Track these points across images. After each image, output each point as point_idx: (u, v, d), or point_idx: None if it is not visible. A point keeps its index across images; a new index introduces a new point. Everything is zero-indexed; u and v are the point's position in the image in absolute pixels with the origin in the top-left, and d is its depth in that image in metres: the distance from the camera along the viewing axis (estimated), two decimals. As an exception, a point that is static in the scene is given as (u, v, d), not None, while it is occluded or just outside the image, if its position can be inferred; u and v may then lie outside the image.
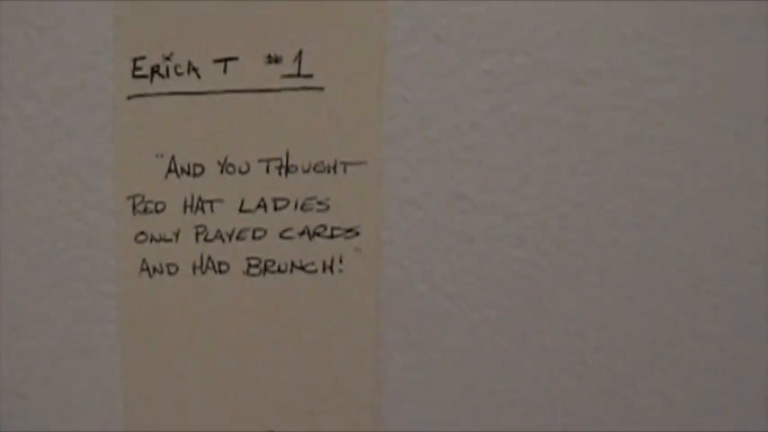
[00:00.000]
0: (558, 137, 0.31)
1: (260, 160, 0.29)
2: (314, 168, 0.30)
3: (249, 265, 0.30)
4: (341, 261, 0.30)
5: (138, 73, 0.29)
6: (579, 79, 0.31)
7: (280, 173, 0.30)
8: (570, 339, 0.34)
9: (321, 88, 0.29)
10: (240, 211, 0.30)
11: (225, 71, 0.29)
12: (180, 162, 0.30)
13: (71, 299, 0.32)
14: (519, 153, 0.31)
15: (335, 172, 0.30)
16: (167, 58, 0.29)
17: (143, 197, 0.30)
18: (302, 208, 0.30)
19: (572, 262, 0.33)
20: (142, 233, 0.30)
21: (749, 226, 0.33)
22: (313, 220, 0.30)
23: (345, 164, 0.30)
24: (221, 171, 0.30)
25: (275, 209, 0.30)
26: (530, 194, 0.31)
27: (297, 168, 0.30)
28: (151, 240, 0.30)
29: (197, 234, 0.30)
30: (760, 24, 0.31)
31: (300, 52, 0.29)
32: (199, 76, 0.29)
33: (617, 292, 0.34)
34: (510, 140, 0.31)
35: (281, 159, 0.29)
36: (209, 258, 0.30)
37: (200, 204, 0.30)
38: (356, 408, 0.31)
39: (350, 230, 0.30)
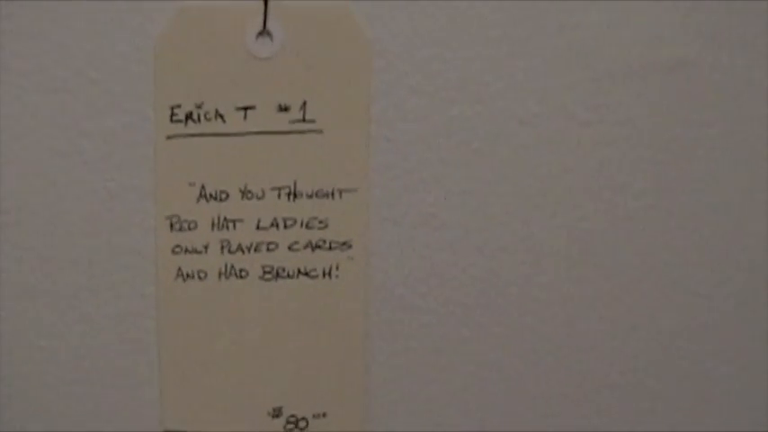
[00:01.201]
0: (512, 166, 0.35)
1: (273, 188, 0.34)
2: (316, 194, 0.34)
3: (264, 272, 0.34)
4: (337, 268, 0.34)
5: (174, 118, 0.33)
6: (524, 121, 0.35)
7: (289, 198, 0.34)
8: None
9: (321, 131, 0.33)
10: (257, 228, 0.34)
11: (245, 117, 0.33)
12: (209, 189, 0.34)
13: (119, 300, 0.35)
14: (480, 180, 0.35)
15: (333, 197, 0.34)
16: (198, 107, 0.33)
17: (179, 217, 0.34)
18: (307, 226, 0.34)
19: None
20: (178, 246, 0.34)
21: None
22: (315, 235, 0.34)
23: (341, 191, 0.34)
24: (242, 197, 0.34)
25: (285, 227, 0.34)
26: (489, 213, 0.35)
27: (302, 194, 0.34)
28: (185, 252, 0.34)
29: (222, 247, 0.34)
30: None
31: (305, 103, 0.33)
32: (224, 121, 0.33)
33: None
34: (472, 170, 0.35)
35: (289, 187, 0.34)
36: (232, 266, 0.34)
37: (225, 223, 0.34)
38: (345, 382, 0.35)
39: (344, 243, 0.34)
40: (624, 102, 0.34)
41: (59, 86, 0.33)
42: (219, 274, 0.34)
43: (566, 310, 0.36)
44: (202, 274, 0.34)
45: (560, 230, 0.35)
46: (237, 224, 0.34)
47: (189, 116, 0.33)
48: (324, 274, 0.35)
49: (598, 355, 0.36)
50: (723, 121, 0.35)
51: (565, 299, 0.36)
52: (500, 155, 0.35)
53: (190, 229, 0.34)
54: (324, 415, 0.36)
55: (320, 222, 0.34)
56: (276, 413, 0.35)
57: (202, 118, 0.33)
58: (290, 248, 0.34)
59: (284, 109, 0.33)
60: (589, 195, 0.35)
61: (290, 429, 0.35)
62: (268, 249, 0.34)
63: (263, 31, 0.33)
